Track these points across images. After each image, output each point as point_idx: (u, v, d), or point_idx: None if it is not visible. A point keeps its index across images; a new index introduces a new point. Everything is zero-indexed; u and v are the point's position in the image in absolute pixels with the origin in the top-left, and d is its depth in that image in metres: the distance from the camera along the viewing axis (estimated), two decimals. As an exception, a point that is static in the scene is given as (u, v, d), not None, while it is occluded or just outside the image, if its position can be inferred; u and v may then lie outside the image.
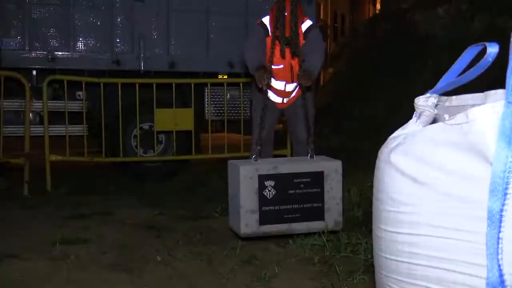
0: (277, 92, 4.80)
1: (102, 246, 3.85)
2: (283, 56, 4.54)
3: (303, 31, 4.64)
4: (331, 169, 4.10)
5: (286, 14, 4.46)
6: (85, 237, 4.06)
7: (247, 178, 3.93)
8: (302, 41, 4.60)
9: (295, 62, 4.63)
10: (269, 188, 3.96)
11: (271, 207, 3.94)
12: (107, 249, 3.78)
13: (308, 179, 4.04)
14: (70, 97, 6.69)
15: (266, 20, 4.77)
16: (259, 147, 4.27)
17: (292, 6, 4.47)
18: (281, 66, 4.63)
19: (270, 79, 4.43)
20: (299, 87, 4.75)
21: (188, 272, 3.33)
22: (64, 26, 6.92)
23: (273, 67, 4.63)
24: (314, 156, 4.31)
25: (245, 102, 7.39)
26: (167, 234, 4.29)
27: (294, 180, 4.01)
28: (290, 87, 4.81)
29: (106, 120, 6.95)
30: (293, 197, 3.99)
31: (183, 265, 3.46)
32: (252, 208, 3.90)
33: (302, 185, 4.02)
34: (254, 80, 4.53)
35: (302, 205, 4.00)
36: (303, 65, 4.48)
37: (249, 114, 6.89)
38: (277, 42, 4.66)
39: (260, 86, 4.38)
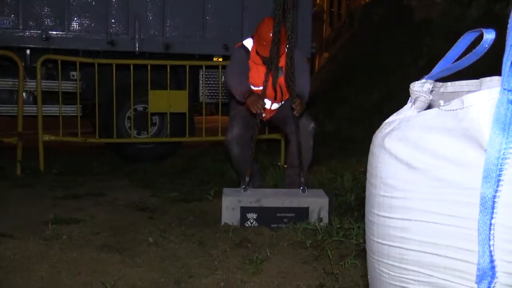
0: None
1: (94, 227, 3.85)
2: (267, 78, 4.36)
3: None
4: (317, 206, 4.05)
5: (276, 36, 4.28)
6: (78, 218, 4.06)
7: (229, 209, 3.95)
8: (283, 61, 4.49)
9: (281, 82, 4.57)
10: (251, 221, 3.97)
11: None
12: (100, 229, 3.79)
13: (292, 214, 4.01)
14: (64, 77, 6.66)
15: (247, 42, 4.72)
16: (248, 178, 4.23)
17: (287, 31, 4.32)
18: (261, 87, 4.47)
19: (264, 103, 4.37)
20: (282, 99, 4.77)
21: (180, 254, 3.34)
22: (58, 6, 6.87)
23: (253, 88, 4.57)
24: (306, 190, 4.25)
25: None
26: (159, 215, 4.30)
27: (278, 214, 3.99)
28: (275, 105, 4.80)
29: (100, 101, 6.93)
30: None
31: (176, 247, 3.46)
32: None
33: (285, 220, 4.00)
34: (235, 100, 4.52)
35: None
36: (294, 91, 4.34)
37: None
38: (258, 61, 4.63)
39: (255, 112, 4.30)
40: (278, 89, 4.65)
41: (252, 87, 4.58)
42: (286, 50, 4.45)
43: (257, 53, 4.65)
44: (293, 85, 4.31)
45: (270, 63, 4.29)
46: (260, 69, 4.62)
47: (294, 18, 4.04)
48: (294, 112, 4.30)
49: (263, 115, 4.49)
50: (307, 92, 4.53)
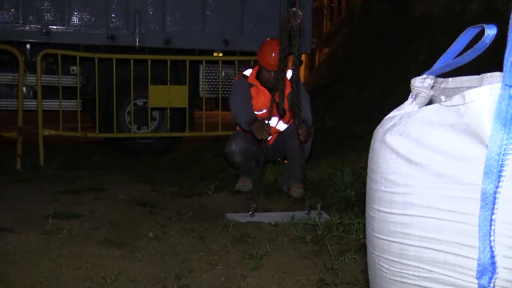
0: None
1: (94, 221, 3.85)
2: (272, 104, 4.33)
3: (288, 78, 4.62)
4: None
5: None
6: (78, 212, 4.06)
7: None
8: (289, 88, 4.55)
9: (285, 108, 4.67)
10: None
11: None
12: (100, 224, 3.79)
13: None
14: (64, 72, 6.66)
15: (247, 72, 4.90)
16: (255, 205, 4.23)
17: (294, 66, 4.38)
18: (265, 110, 4.59)
19: (270, 129, 4.37)
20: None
21: (180, 249, 3.34)
22: (59, 0, 6.86)
23: (257, 113, 4.69)
24: (310, 213, 4.23)
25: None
26: (159, 210, 4.31)
27: None
28: (282, 125, 4.89)
29: (100, 95, 6.94)
30: None
31: (176, 242, 3.47)
32: None
33: None
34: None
35: None
36: (299, 117, 4.31)
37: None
38: (260, 85, 4.75)
39: (260, 137, 4.31)
40: (286, 107, 4.70)
41: (256, 112, 4.69)
42: (288, 77, 4.58)
43: (257, 77, 4.80)
44: (299, 103, 4.25)
45: (276, 80, 4.25)
46: (261, 93, 4.75)
47: (300, 45, 4.05)
48: (300, 137, 4.31)
49: (269, 137, 4.51)
50: (310, 122, 4.61)
